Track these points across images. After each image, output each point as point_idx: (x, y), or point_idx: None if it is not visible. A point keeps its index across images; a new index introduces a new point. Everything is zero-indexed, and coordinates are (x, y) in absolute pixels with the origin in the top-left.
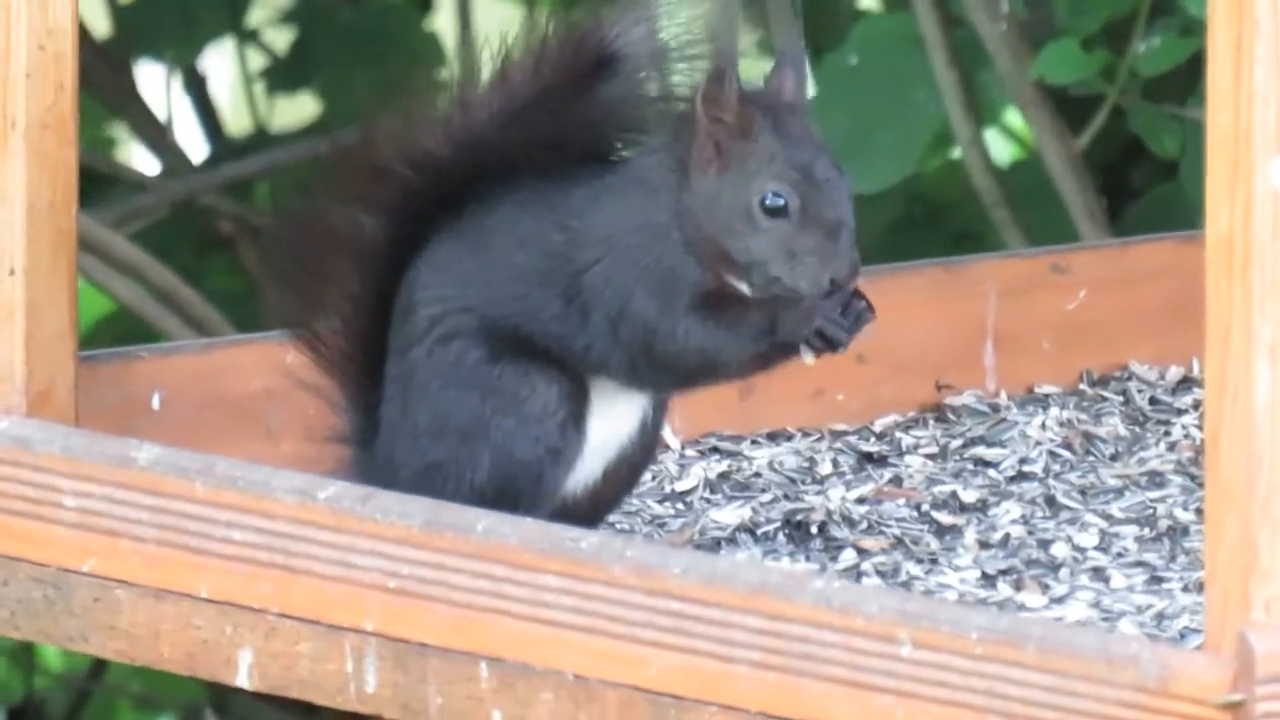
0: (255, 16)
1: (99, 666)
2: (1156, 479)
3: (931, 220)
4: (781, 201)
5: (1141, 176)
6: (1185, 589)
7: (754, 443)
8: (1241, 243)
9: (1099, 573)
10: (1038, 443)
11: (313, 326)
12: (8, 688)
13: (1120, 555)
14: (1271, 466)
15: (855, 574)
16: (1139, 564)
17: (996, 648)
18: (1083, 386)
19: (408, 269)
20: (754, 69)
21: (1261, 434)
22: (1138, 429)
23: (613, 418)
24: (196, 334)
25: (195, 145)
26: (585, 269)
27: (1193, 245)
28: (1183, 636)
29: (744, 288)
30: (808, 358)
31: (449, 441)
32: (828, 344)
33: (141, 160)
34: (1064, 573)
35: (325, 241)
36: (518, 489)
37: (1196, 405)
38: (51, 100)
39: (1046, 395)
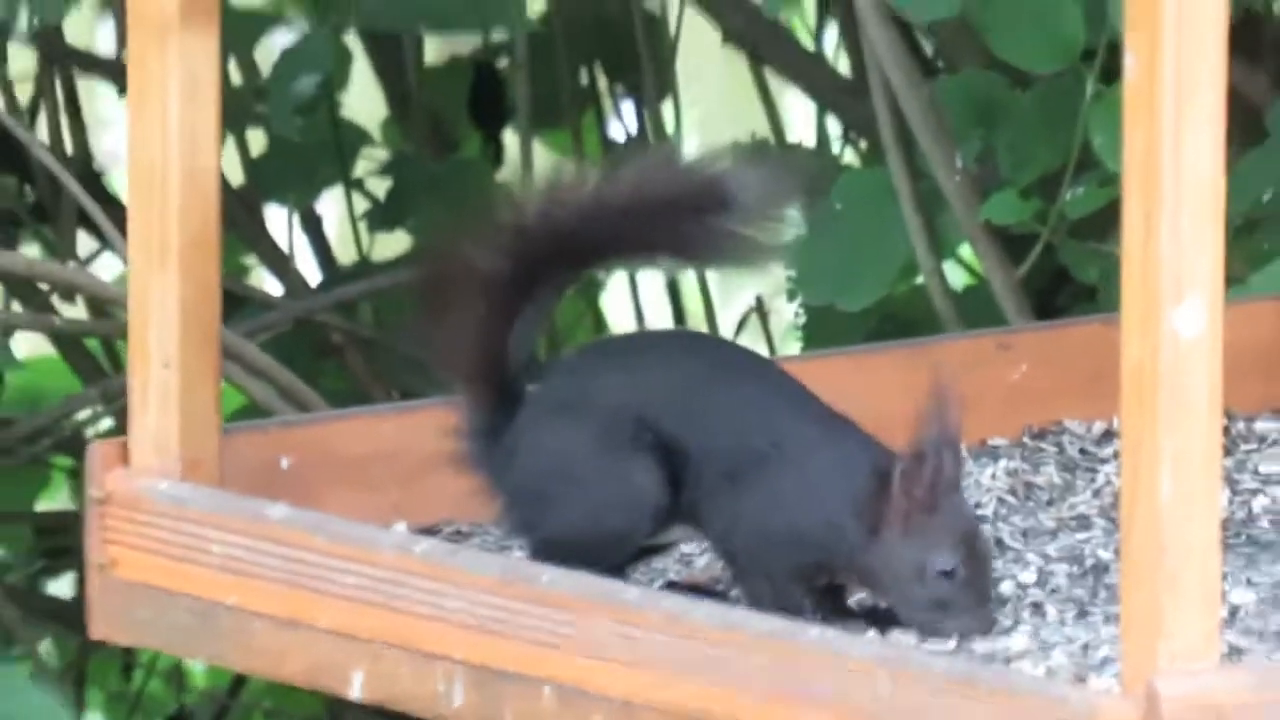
0: (360, 169)
1: (237, 685)
2: (1084, 522)
3: (901, 333)
4: (950, 568)
5: (1067, 298)
6: (1106, 621)
7: None
8: (1150, 372)
9: (1037, 608)
10: (989, 489)
11: (446, 341)
12: (162, 703)
13: (1054, 591)
14: (1173, 551)
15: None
16: (1069, 599)
17: (956, 685)
18: (1025, 440)
19: (526, 300)
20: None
21: (1166, 525)
22: (1069, 476)
23: None
24: None
25: (311, 272)
26: (763, 480)
27: (1110, 327)
28: (1103, 665)
29: (872, 595)
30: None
31: (562, 483)
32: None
33: (269, 284)
34: (1009, 608)
35: (460, 274)
36: (599, 547)
37: (1116, 455)
38: (199, 228)
39: (996, 447)
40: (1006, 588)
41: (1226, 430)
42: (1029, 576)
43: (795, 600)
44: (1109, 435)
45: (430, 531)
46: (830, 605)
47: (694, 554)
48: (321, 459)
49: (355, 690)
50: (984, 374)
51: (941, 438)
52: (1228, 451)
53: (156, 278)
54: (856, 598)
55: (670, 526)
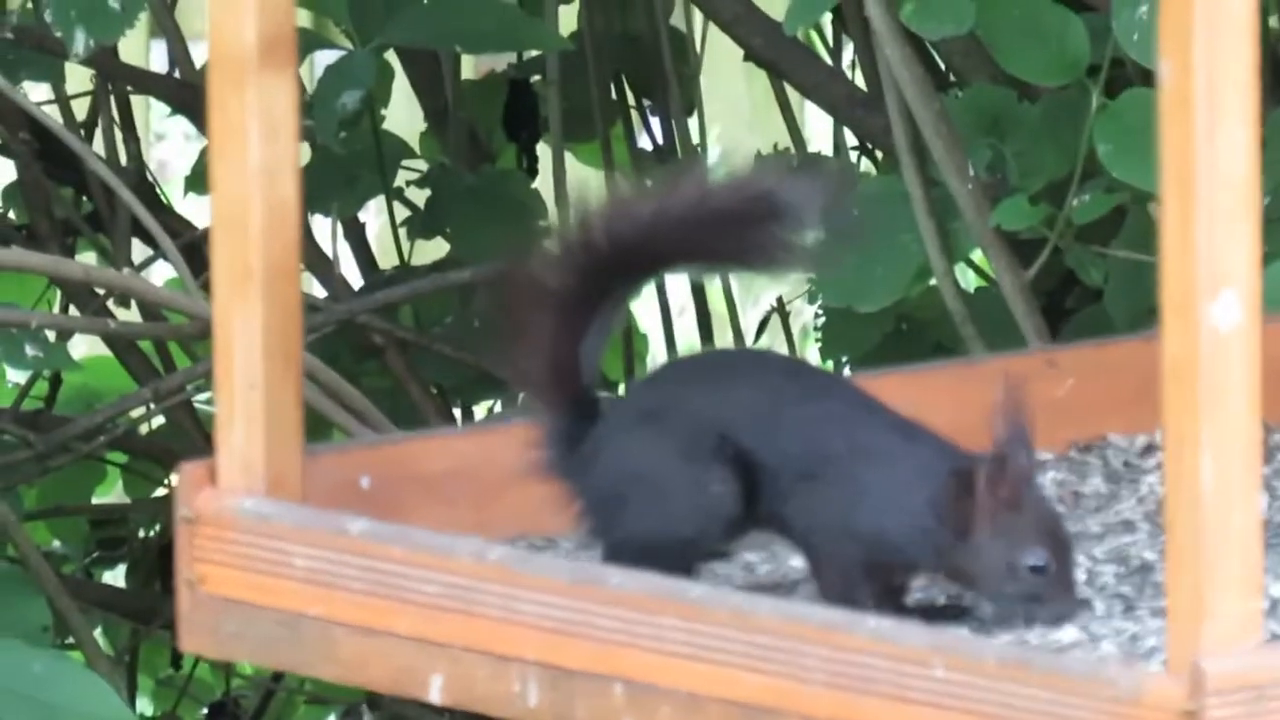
0: (399, 179)
1: (280, 672)
2: (1129, 526)
3: (916, 334)
4: (1042, 564)
5: (1074, 300)
6: (1152, 615)
7: None
8: (1189, 365)
9: (1085, 603)
10: None
11: (518, 358)
12: (210, 688)
13: (1102, 588)
14: (1214, 536)
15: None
16: (1117, 595)
17: (1008, 670)
18: (1072, 454)
19: (594, 312)
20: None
21: (1207, 511)
22: (1114, 486)
23: None
24: (357, 422)
25: (354, 277)
26: (846, 482)
27: (1150, 345)
28: (1151, 654)
29: (966, 593)
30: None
31: (641, 488)
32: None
33: (314, 289)
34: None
35: (530, 292)
36: (671, 551)
37: (1158, 466)
38: (280, 256)
39: (1045, 461)
40: None
41: (1264, 441)
42: (1078, 575)
43: (863, 598)
44: (1151, 449)
45: (506, 545)
46: (890, 604)
47: (757, 562)
48: (400, 477)
49: (435, 694)
50: (1031, 390)
51: (1018, 437)
52: (1265, 460)
53: (239, 304)
54: (915, 597)
55: (741, 536)
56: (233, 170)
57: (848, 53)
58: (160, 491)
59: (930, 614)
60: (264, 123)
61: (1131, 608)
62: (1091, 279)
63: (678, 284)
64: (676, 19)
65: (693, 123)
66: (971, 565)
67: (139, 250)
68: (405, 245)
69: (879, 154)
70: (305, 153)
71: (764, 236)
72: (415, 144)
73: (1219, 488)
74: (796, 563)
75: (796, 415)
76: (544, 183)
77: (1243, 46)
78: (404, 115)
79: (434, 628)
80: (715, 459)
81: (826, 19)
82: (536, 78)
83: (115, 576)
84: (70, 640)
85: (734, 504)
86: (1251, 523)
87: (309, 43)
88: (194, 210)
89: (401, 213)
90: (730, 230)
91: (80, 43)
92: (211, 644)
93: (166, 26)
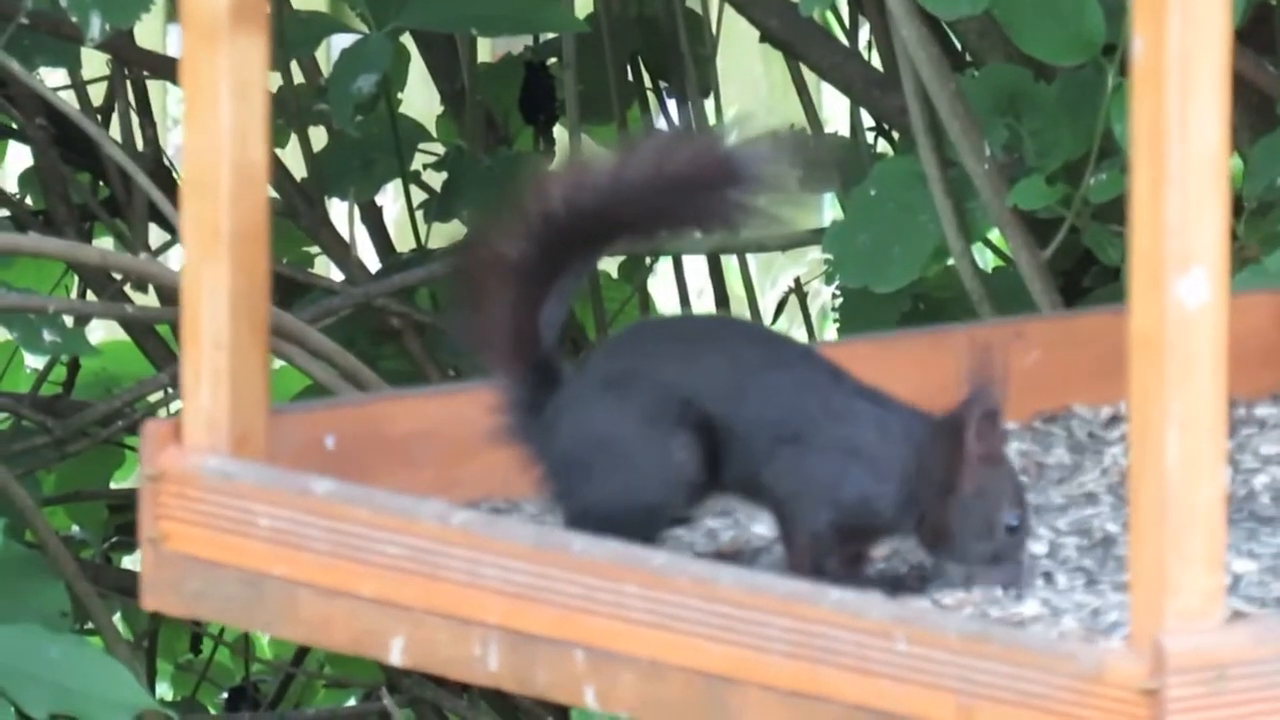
0: (416, 162)
1: (301, 655)
2: (1092, 498)
3: (933, 313)
4: (1017, 524)
5: (1092, 279)
6: (1114, 589)
7: None
8: (1156, 340)
9: (1048, 576)
10: None
11: (480, 326)
12: (230, 673)
13: (1064, 562)
14: (1178, 512)
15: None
16: (1079, 569)
17: (969, 644)
18: (1036, 424)
19: (552, 281)
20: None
21: (1172, 486)
22: (1078, 457)
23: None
24: None
25: (371, 260)
26: (825, 442)
27: (1121, 316)
28: (1112, 629)
29: (931, 554)
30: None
31: (603, 454)
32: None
33: (331, 272)
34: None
35: (490, 262)
36: (633, 518)
37: (1122, 438)
38: (249, 216)
39: (1009, 431)
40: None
41: (1228, 415)
42: (1040, 548)
43: (832, 564)
44: (1116, 420)
45: (470, 508)
46: (855, 573)
47: (720, 529)
48: (366, 438)
49: (395, 655)
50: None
51: (997, 395)
52: (1229, 434)
53: (208, 266)
54: (877, 568)
55: (704, 502)
56: (204, 133)
57: (864, 33)
58: None
59: (893, 584)
60: (235, 84)
61: (1094, 581)
62: (1109, 258)
63: (696, 265)
64: (692, 0)
65: (709, 104)
66: (952, 522)
67: (156, 235)
68: (422, 228)
69: (895, 134)
70: (321, 137)
71: (721, 200)
72: (432, 127)
73: (1184, 463)
74: (759, 529)
75: (766, 381)
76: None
77: (1216, 23)
78: (420, 99)
79: (397, 590)
80: (679, 425)
81: (843, 0)
82: (553, 60)
83: (134, 561)
84: (89, 625)
85: (697, 470)
86: (1216, 499)
87: (325, 26)
88: None
89: (418, 196)
90: (687, 195)
91: (96, 27)
92: (175, 602)
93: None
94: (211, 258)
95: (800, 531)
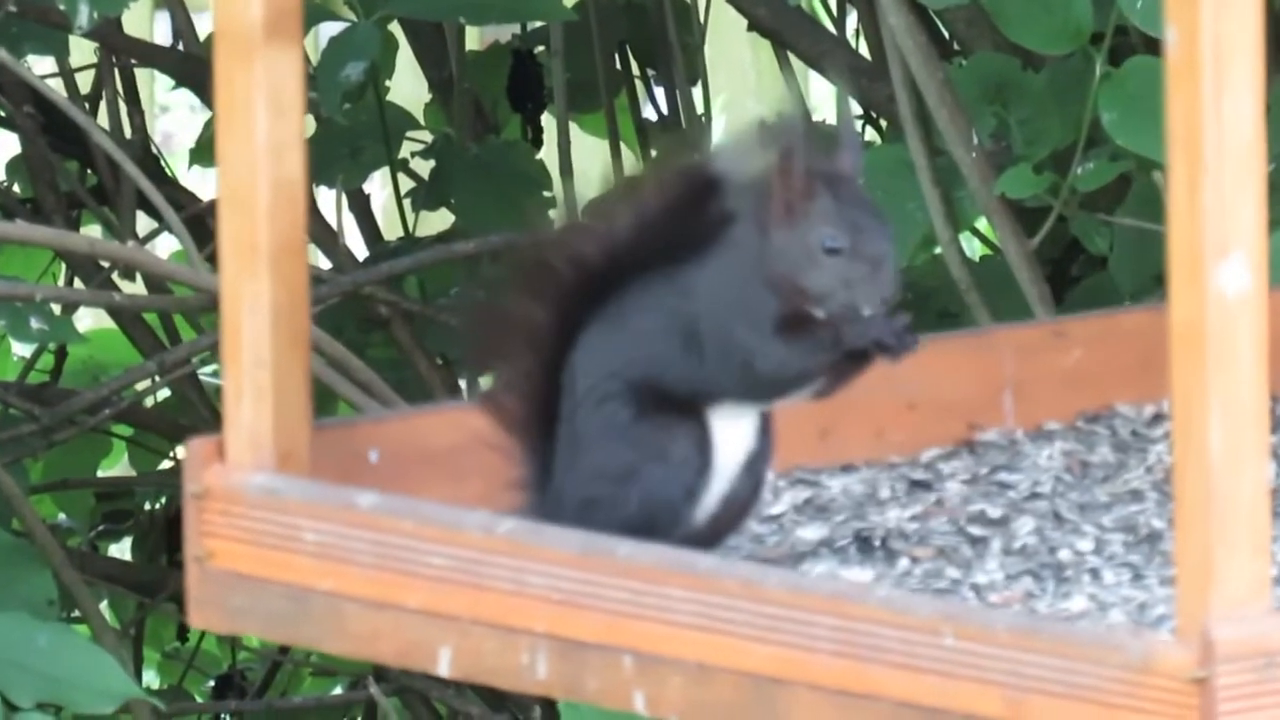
0: (404, 150)
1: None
2: (1137, 495)
3: (921, 302)
4: (836, 243)
5: (1079, 268)
6: (1161, 583)
7: (830, 474)
8: (1197, 329)
9: (1095, 572)
10: (1046, 469)
11: (497, 397)
12: (217, 661)
13: (1111, 558)
14: (1223, 499)
15: (909, 578)
16: (1125, 564)
17: (1017, 638)
18: (1079, 424)
19: (569, 350)
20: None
21: (1216, 474)
22: (1122, 455)
23: (730, 464)
24: (362, 393)
25: (359, 248)
26: (697, 316)
27: (1161, 314)
28: (1159, 622)
29: (819, 312)
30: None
31: (605, 483)
32: (884, 351)
33: (319, 261)
34: (1068, 573)
35: (505, 329)
36: (658, 520)
37: (1166, 435)
38: (287, 232)
39: (1052, 431)
40: (1064, 555)
41: (1270, 411)
42: (1086, 545)
43: (813, 344)
44: (1159, 418)
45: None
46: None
47: (766, 534)
48: (409, 452)
49: (444, 667)
50: (1039, 360)
51: (798, 134)
52: (1270, 430)
53: (247, 281)
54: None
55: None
56: (239, 147)
57: (851, 21)
58: (166, 464)
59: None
60: (270, 99)
61: (1140, 576)
62: (1096, 247)
63: None
64: None
65: (697, 92)
66: (780, 263)
67: (144, 223)
68: (410, 216)
69: (883, 123)
70: (310, 125)
71: (708, 213)
72: (420, 115)
73: (1227, 451)
74: (804, 534)
75: (642, 321)
76: (549, 154)
77: (1249, 11)
78: (408, 87)
79: (443, 601)
80: (664, 420)
81: None
82: (541, 48)
83: (121, 549)
84: (76, 613)
85: (697, 451)
86: (1260, 486)
87: (313, 14)
88: (199, 183)
89: (406, 184)
90: (687, 220)
91: (84, 16)
92: (220, 619)
93: (170, 1)
94: (250, 274)
95: (769, 370)
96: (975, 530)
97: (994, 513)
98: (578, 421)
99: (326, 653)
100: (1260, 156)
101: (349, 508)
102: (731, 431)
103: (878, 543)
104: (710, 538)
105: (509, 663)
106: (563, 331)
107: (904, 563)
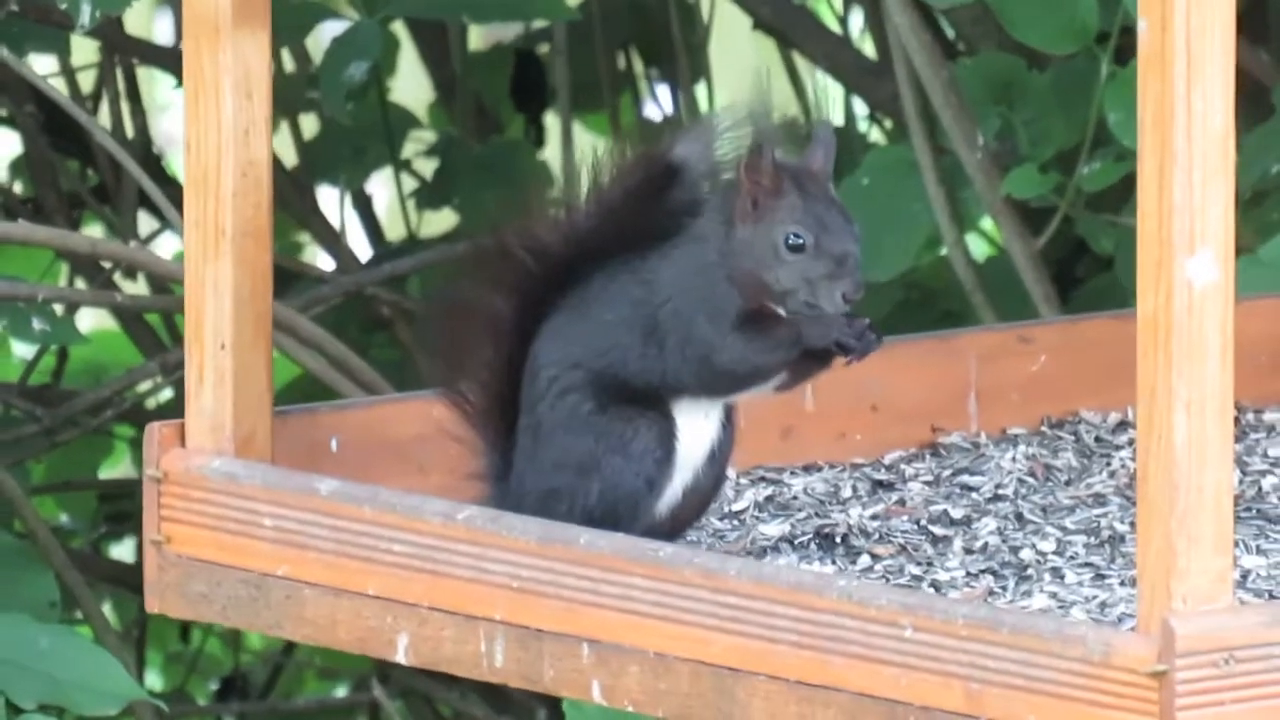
0: (407, 150)
1: (290, 645)
2: (1100, 499)
3: (925, 303)
4: (800, 240)
5: (1085, 269)
6: (1122, 584)
7: (792, 473)
8: (1164, 320)
9: (1056, 572)
10: (1009, 472)
11: (458, 388)
12: (219, 663)
13: (1073, 558)
14: (1187, 492)
15: (870, 574)
16: (1087, 565)
17: (977, 630)
18: (1044, 429)
19: (531, 340)
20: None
21: (1180, 467)
22: (1086, 461)
23: (693, 456)
24: (365, 394)
25: (362, 248)
26: (659, 308)
27: (1125, 321)
28: (1120, 620)
29: (781, 310)
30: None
31: (567, 474)
32: (844, 352)
33: (322, 261)
34: (1029, 572)
35: (466, 319)
36: (619, 512)
37: (1130, 443)
38: (252, 215)
39: (1016, 435)
40: (1026, 555)
41: (1236, 420)
42: (1048, 546)
43: (774, 342)
44: (1123, 425)
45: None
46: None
47: (727, 530)
48: (370, 441)
49: (401, 654)
50: (1005, 365)
51: (769, 134)
52: (1238, 438)
53: (211, 265)
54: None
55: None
56: (206, 128)
57: (856, 21)
58: None
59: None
60: (238, 82)
61: (1102, 576)
62: (1102, 247)
63: None
64: None
65: (701, 91)
66: (745, 259)
67: (145, 223)
68: (413, 216)
69: (888, 123)
70: (312, 124)
71: (670, 202)
72: (423, 115)
73: (1193, 445)
74: (765, 530)
75: (605, 312)
76: (552, 153)
77: (1222, 4)
78: (411, 86)
79: (402, 588)
80: (626, 412)
81: None
82: (544, 48)
83: (123, 551)
84: (79, 615)
85: (658, 439)
86: (1224, 481)
87: (315, 14)
88: None
89: (409, 184)
90: (640, 211)
91: (86, 15)
92: (179, 604)
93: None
94: (214, 257)
95: (727, 365)
96: (937, 529)
97: (956, 513)
98: (539, 412)
99: (324, 652)
100: (1230, 149)
101: (309, 494)
102: (694, 424)
103: (839, 539)
104: (672, 529)
105: (467, 650)
106: (524, 321)
107: (865, 559)
